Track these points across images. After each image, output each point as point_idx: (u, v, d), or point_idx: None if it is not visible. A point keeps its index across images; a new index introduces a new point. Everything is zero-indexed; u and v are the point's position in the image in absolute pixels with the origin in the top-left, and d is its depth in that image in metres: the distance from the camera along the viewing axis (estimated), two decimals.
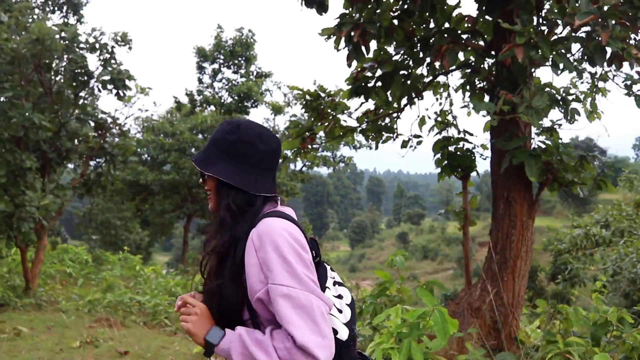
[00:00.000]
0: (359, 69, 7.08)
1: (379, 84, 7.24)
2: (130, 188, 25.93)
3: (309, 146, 7.55)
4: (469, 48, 6.32)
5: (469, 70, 7.47)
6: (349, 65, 6.72)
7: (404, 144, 8.01)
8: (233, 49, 26.23)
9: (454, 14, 6.87)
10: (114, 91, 13.48)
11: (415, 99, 7.68)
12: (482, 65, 6.77)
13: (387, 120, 7.84)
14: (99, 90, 13.50)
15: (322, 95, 7.58)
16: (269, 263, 1.86)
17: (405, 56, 7.20)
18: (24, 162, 11.85)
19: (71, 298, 12.91)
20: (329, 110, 7.60)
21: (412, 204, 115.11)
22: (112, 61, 13.44)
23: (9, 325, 9.44)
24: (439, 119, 7.99)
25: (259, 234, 1.91)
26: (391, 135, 7.88)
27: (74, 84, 13.23)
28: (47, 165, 13.07)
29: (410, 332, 4.74)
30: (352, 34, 6.22)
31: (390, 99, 7.54)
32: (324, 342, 1.81)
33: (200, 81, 26.95)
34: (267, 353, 1.82)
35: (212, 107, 27.18)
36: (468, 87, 7.73)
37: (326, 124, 7.44)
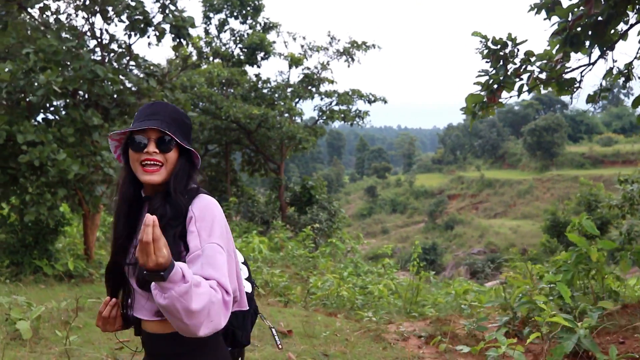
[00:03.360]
0: (574, 18, 6.27)
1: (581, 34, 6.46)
2: None
3: (498, 99, 6.76)
4: None
5: None
6: (590, 11, 5.91)
7: (591, 98, 7.30)
8: None
9: None
10: (175, 40, 12.34)
11: (608, 51, 6.95)
12: None
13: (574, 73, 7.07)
14: (157, 39, 12.32)
15: (509, 43, 6.76)
16: (210, 229, 2.18)
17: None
18: (91, 119, 10.74)
19: None
20: (514, 60, 6.80)
21: (376, 157, 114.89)
22: (172, 7, 12.26)
23: None
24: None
25: (200, 208, 2.23)
26: (573, 88, 7.13)
27: (132, 32, 12.04)
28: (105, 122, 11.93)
29: None
30: None
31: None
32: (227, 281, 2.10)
33: (206, 32, 25.57)
34: (205, 285, 2.01)
35: (216, 60, 25.87)
36: None
37: (522, 75, 6.64)
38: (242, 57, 25.46)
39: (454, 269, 55.14)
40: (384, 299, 10.49)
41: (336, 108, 24.69)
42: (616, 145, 79.06)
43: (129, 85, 12.17)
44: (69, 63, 10.79)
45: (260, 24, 25.84)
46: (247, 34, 25.47)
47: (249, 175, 28.21)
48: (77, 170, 10.04)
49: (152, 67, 12.90)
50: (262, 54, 25.17)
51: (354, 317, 8.82)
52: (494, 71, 6.81)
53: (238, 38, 25.66)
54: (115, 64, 12.32)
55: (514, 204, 72.58)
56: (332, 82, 25.17)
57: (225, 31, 25.98)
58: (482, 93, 6.82)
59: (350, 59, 24.89)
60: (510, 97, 6.85)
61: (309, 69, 24.72)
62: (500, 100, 6.79)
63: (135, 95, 11.89)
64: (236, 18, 25.70)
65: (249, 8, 25.23)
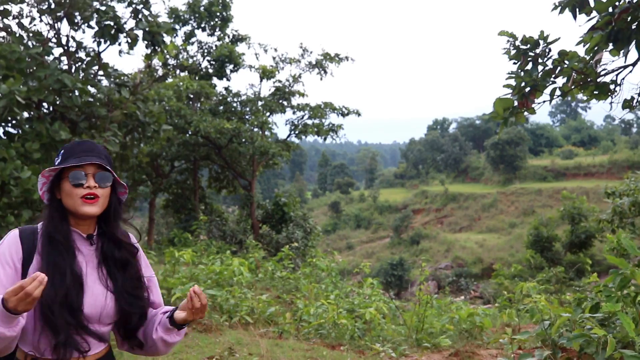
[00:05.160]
0: (621, 10, 5.56)
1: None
2: None
3: (531, 104, 6.01)
4: None
5: None
6: None
7: (626, 104, 6.59)
8: (210, 8, 23.93)
9: None
10: (149, 48, 11.41)
11: None
12: None
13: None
14: (129, 46, 11.38)
15: (540, 42, 6.04)
16: (147, 261, 2.59)
17: None
18: (58, 133, 9.73)
19: None
20: (545, 62, 6.07)
21: (338, 172, 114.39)
22: (145, 12, 11.34)
23: None
24: None
25: (136, 242, 2.56)
26: (611, 92, 6.42)
27: (102, 39, 11.08)
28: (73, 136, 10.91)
29: None
30: None
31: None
32: None
33: (172, 44, 24.51)
34: None
35: (183, 73, 24.87)
36: None
37: (561, 77, 5.91)
38: (210, 70, 24.52)
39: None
40: (381, 324, 9.66)
41: (309, 122, 23.87)
42: (577, 158, 79.98)
43: (98, 96, 11.19)
44: (33, 72, 9.78)
45: (228, 36, 24.95)
46: (216, 45, 24.56)
47: (216, 192, 27.23)
48: None
49: (123, 77, 11.95)
50: (231, 67, 24.26)
51: (358, 348, 7.98)
52: (523, 73, 6.07)
53: (206, 50, 24.73)
54: (82, 74, 11.35)
55: (479, 217, 72.59)
56: (303, 95, 24.37)
57: (192, 43, 25.02)
58: (513, 97, 6.07)
59: (322, 72, 24.14)
60: (543, 102, 6.11)
61: (280, 81, 23.89)
62: (532, 105, 6.04)
63: (106, 107, 10.90)
64: (204, 30, 24.77)
65: (217, 19, 24.33)
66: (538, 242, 23.29)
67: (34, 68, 9.78)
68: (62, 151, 2.35)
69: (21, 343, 2.25)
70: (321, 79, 24.26)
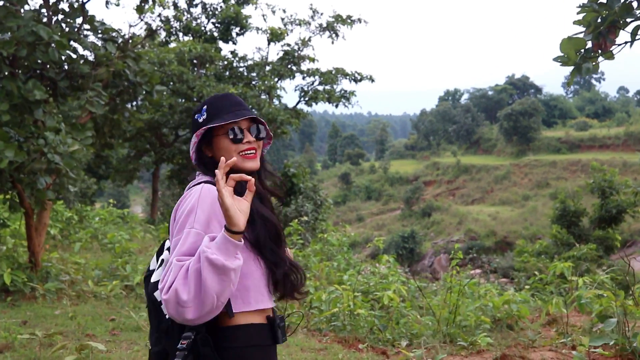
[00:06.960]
0: None
1: None
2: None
3: (611, 46, 4.65)
4: None
5: None
6: None
7: None
8: None
9: None
10: None
11: None
12: None
13: None
14: None
15: None
16: None
17: None
18: (32, 92, 8.43)
19: (93, 276, 9.62)
20: None
21: (348, 144, 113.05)
22: None
23: (61, 337, 6.26)
24: None
25: None
26: None
27: None
28: (53, 97, 9.62)
29: None
30: None
31: None
32: None
33: (175, 6, 23.12)
34: None
35: (185, 37, 23.47)
36: None
37: None
38: (215, 33, 23.12)
39: (433, 257, 53.52)
40: (402, 313, 8.40)
41: (320, 88, 22.49)
42: (592, 130, 78.28)
43: (82, 52, 9.86)
44: (2, 22, 8.45)
45: None
46: (221, 7, 23.11)
47: None
48: (13, 157, 7.75)
49: (110, 32, 10.59)
50: (237, 29, 22.84)
51: (379, 345, 6.74)
52: (598, 6, 4.69)
53: (210, 12, 23.29)
54: (65, 27, 10.01)
55: (492, 189, 71.26)
56: (313, 60, 22.95)
57: (196, 5, 23.58)
58: (586, 37, 4.70)
59: (334, 34, 22.69)
60: (625, 44, 4.74)
61: (289, 45, 22.49)
62: (612, 48, 4.68)
63: (90, 64, 9.57)
64: None
65: None
66: (564, 216, 21.90)
67: (4, 18, 8.44)
68: (206, 107, 2.31)
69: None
70: (332, 42, 22.86)
